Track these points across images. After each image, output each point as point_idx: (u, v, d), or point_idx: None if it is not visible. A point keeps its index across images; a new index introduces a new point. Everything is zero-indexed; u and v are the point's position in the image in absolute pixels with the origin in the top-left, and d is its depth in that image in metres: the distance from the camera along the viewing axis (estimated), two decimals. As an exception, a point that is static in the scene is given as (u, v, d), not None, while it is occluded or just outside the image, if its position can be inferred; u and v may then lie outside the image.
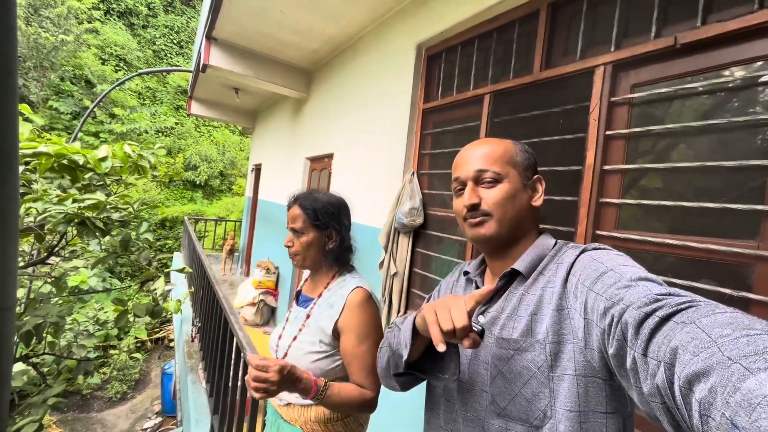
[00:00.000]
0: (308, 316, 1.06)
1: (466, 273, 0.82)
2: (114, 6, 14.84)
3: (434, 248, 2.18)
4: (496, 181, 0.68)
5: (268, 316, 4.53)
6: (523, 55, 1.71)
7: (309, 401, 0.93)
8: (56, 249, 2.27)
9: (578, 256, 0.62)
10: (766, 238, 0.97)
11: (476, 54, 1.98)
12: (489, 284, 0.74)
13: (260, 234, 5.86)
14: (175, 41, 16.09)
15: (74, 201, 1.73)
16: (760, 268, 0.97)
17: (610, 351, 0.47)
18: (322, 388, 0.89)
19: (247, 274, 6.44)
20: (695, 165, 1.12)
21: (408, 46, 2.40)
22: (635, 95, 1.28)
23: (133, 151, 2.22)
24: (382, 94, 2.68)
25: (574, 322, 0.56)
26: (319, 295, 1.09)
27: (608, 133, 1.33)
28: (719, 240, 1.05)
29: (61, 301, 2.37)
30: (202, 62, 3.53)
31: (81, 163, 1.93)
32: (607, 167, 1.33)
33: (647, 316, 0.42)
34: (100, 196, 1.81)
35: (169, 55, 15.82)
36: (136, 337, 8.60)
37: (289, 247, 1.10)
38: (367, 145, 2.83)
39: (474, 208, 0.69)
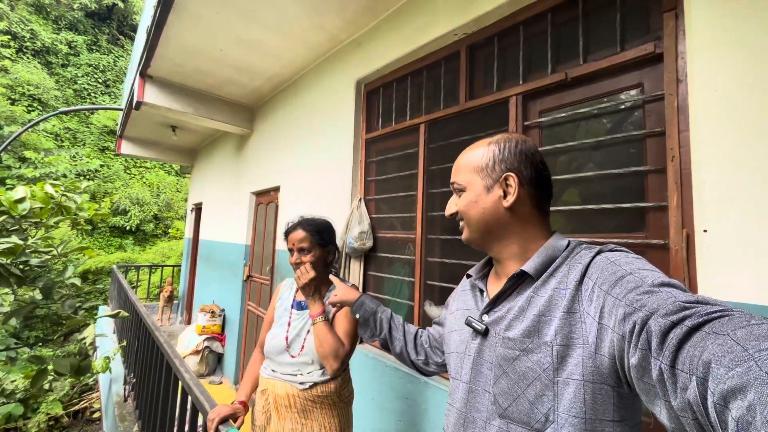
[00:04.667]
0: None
1: (468, 276, 0.84)
2: (28, 44, 13.75)
3: (386, 270, 2.24)
4: (461, 190, 0.74)
5: (214, 364, 4.17)
6: (450, 88, 1.93)
7: (327, 377, 1.27)
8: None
9: (594, 257, 0.60)
10: (650, 229, 1.19)
11: (410, 88, 2.19)
12: (492, 285, 0.76)
13: (203, 277, 5.49)
14: (100, 80, 15.18)
15: (-17, 247, 1.54)
16: (650, 255, 1.18)
17: (632, 360, 0.44)
18: (325, 316, 1.28)
19: (188, 322, 5.92)
20: (592, 174, 1.34)
21: (347, 82, 2.57)
22: (542, 119, 1.52)
23: (56, 191, 2.05)
24: (325, 127, 2.80)
25: (586, 326, 0.54)
26: (323, 297, 1.39)
27: (525, 151, 1.54)
28: (618, 234, 1.26)
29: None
30: (135, 99, 3.41)
31: (-8, 205, 1.74)
32: (527, 181, 1.53)
33: (674, 324, 0.40)
34: (15, 239, 1.64)
35: (93, 94, 14.84)
36: (47, 414, 7.26)
37: (297, 263, 1.35)
38: (313, 176, 2.89)
39: (452, 215, 0.77)
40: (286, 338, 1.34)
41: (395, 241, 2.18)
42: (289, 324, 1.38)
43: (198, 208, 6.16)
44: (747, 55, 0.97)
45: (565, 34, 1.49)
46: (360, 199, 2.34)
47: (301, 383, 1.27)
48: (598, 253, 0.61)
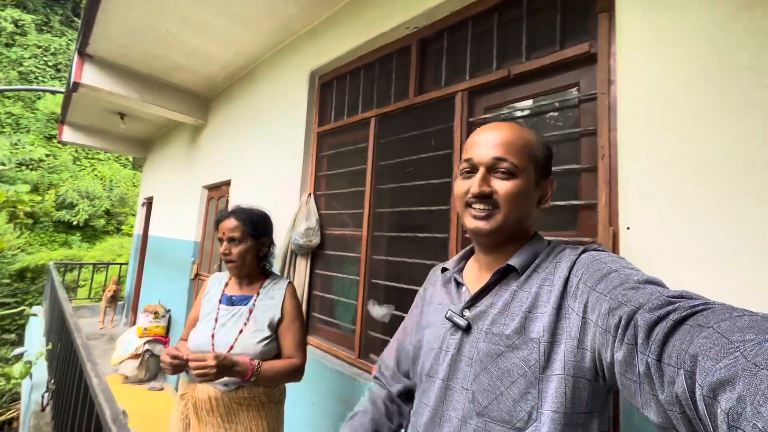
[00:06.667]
0: (251, 311, 1.27)
1: (444, 270, 0.78)
2: (-35, 19, 12.53)
3: (334, 268, 2.15)
4: (512, 174, 0.63)
5: (155, 369, 3.88)
6: (401, 82, 1.89)
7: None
8: None
9: (579, 255, 0.60)
10: (581, 227, 1.19)
11: (363, 81, 2.13)
12: (471, 280, 0.72)
13: (150, 275, 5.15)
14: (49, 63, 14.09)
15: None
16: (581, 252, 1.18)
17: (617, 356, 0.44)
18: (257, 368, 1.13)
19: (134, 323, 5.51)
20: (532, 172, 1.33)
21: (302, 74, 2.47)
22: (487, 116, 1.50)
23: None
24: (278, 120, 2.68)
25: (571, 321, 0.55)
26: (257, 293, 1.31)
27: (469, 148, 1.52)
28: (551, 232, 1.25)
29: None
30: (72, 80, 3.13)
31: None
32: (470, 178, 1.50)
33: (660, 319, 0.40)
34: None
35: (41, 77, 13.73)
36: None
37: (226, 254, 1.26)
38: (264, 170, 2.76)
39: (482, 197, 0.63)
40: (212, 336, 1.23)
41: (345, 238, 2.10)
42: (216, 320, 1.27)
43: (149, 203, 5.79)
44: (673, 56, 0.98)
45: (510, 32, 1.48)
46: (309, 195, 2.25)
47: (225, 385, 1.17)
48: (584, 251, 0.61)
